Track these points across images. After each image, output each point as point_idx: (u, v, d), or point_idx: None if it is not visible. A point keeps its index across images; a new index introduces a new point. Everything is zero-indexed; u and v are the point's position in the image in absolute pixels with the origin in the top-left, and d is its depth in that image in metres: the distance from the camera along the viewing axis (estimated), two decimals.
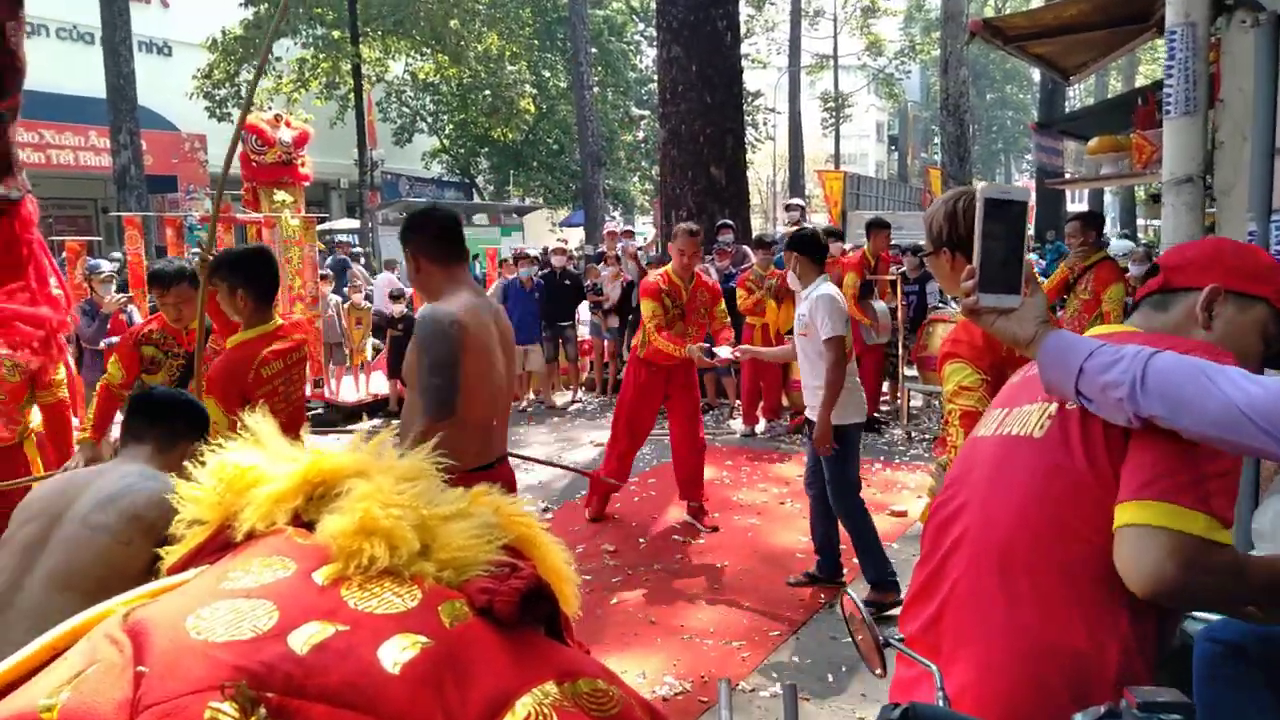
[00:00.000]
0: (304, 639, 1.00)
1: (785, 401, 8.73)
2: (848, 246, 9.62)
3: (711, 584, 4.94)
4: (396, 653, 1.01)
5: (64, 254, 8.56)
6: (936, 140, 39.06)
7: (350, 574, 1.12)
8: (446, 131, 30.42)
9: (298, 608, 1.04)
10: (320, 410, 9.44)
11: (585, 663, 1.17)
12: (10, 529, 2.15)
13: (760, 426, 8.55)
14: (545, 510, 6.21)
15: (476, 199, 31.90)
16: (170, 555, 1.34)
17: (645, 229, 27.67)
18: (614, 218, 29.75)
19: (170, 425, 2.37)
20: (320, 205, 26.72)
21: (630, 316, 9.75)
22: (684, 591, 4.84)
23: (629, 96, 33.48)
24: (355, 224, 22.20)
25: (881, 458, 7.58)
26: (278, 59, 21.96)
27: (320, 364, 9.64)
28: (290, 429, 3.68)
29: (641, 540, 5.62)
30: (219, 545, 1.27)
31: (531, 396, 10.26)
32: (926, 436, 8.09)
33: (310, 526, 1.26)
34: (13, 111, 0.72)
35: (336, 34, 21.89)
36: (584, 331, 10.86)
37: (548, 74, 29.76)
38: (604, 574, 5.02)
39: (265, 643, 0.98)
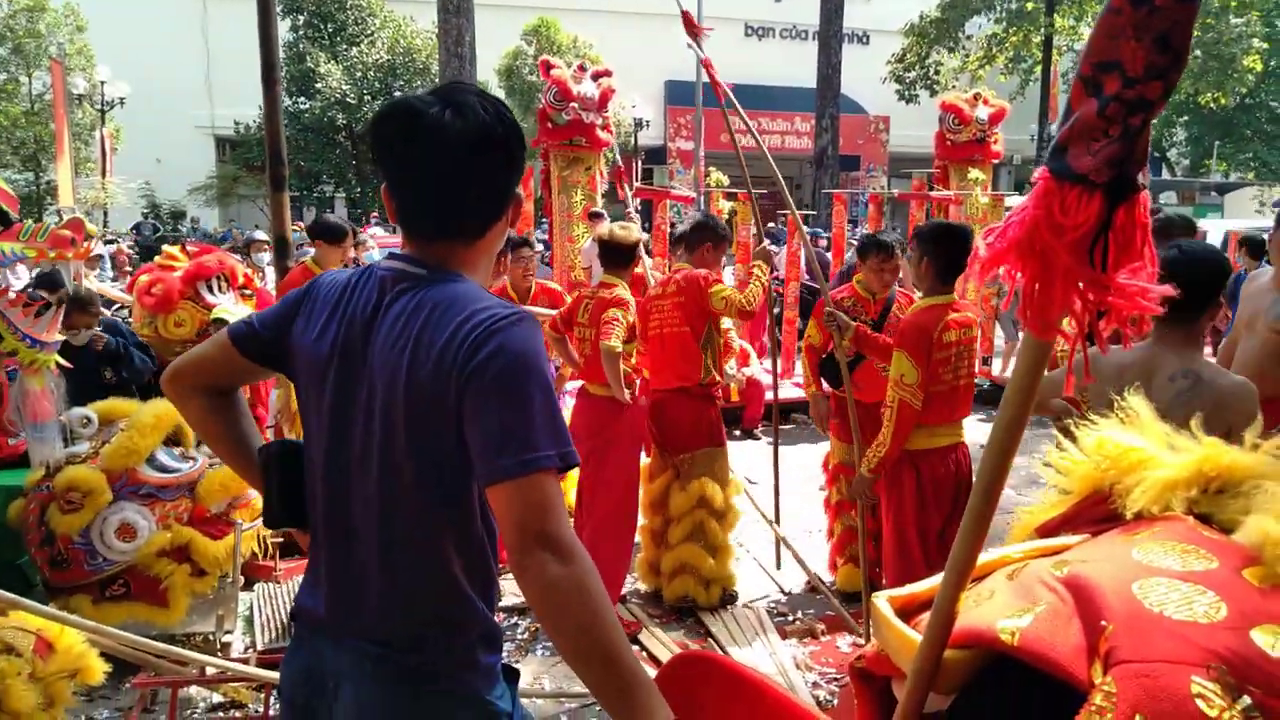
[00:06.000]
0: (1271, 640, 0.98)
1: None
2: None
3: None
4: None
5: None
6: None
7: None
8: None
9: (1244, 604, 1.02)
10: (986, 387, 9.42)
11: None
12: None
13: None
14: None
15: (1166, 174, 28.23)
16: (1032, 516, 1.45)
17: None
18: None
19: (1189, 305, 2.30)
20: (991, 183, 26.45)
21: None
22: None
23: None
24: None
25: None
26: (968, 37, 22.14)
27: (990, 341, 9.63)
28: (963, 402, 3.61)
29: None
30: (1097, 517, 1.33)
31: None
32: None
33: (1204, 519, 1.24)
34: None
35: (1029, 5, 21.18)
36: None
37: None
38: None
39: (1228, 633, 0.98)
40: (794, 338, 9.10)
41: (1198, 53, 23.47)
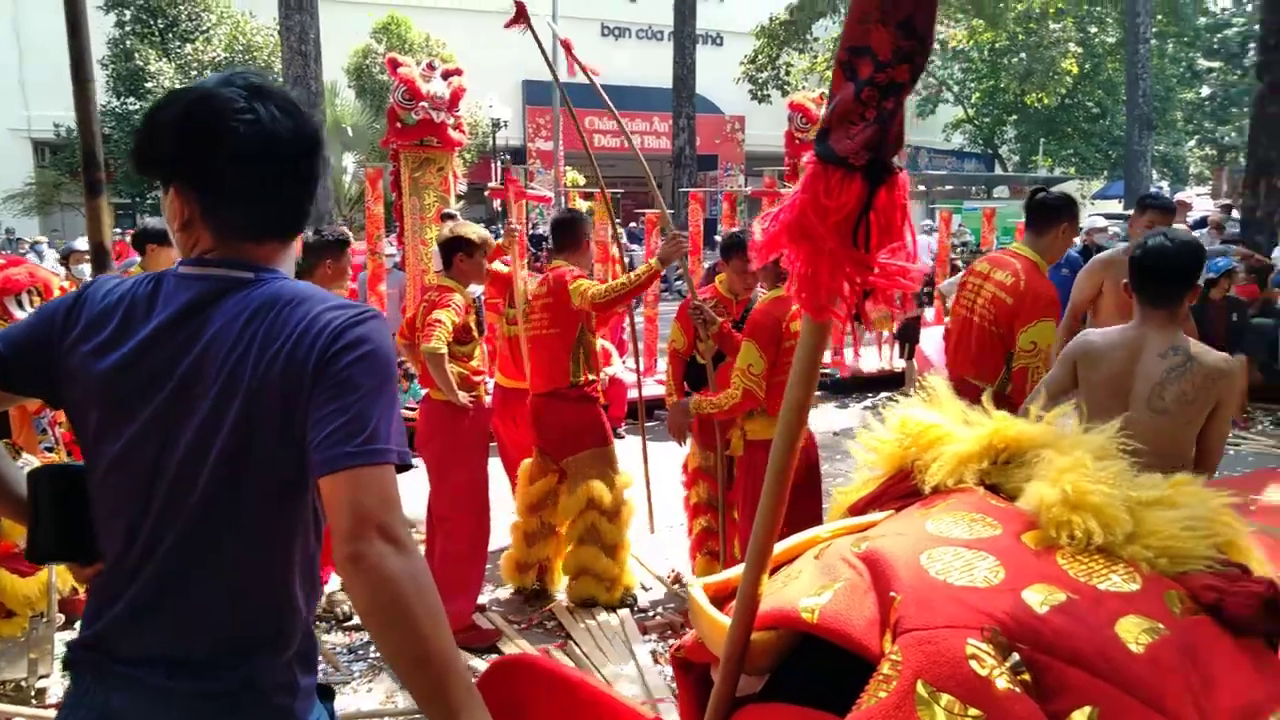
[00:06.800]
0: (1039, 599, 1.03)
1: None
2: None
3: None
4: (1136, 633, 1.00)
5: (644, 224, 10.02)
6: None
7: (1061, 544, 1.13)
8: (972, 100, 29.16)
9: (1020, 567, 1.08)
10: (837, 377, 9.79)
11: None
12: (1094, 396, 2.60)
13: None
14: None
15: (999, 170, 30.17)
16: (845, 496, 1.49)
17: (1202, 201, 23.73)
18: (1159, 188, 25.96)
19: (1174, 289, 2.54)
20: None
21: None
22: None
23: (1195, 47, 28.74)
24: None
25: None
26: (815, 39, 22.97)
27: (842, 333, 10.02)
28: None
29: None
30: (901, 493, 1.38)
31: None
32: None
33: (994, 489, 1.30)
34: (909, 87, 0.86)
35: None
36: None
37: (1095, 30, 26.80)
38: None
39: (1003, 595, 1.03)
40: (654, 336, 9.20)
41: (1022, 55, 25.24)
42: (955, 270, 11.14)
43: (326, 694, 1.40)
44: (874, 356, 10.85)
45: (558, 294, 4.12)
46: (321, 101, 13.68)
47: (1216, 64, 28.42)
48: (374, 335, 1.24)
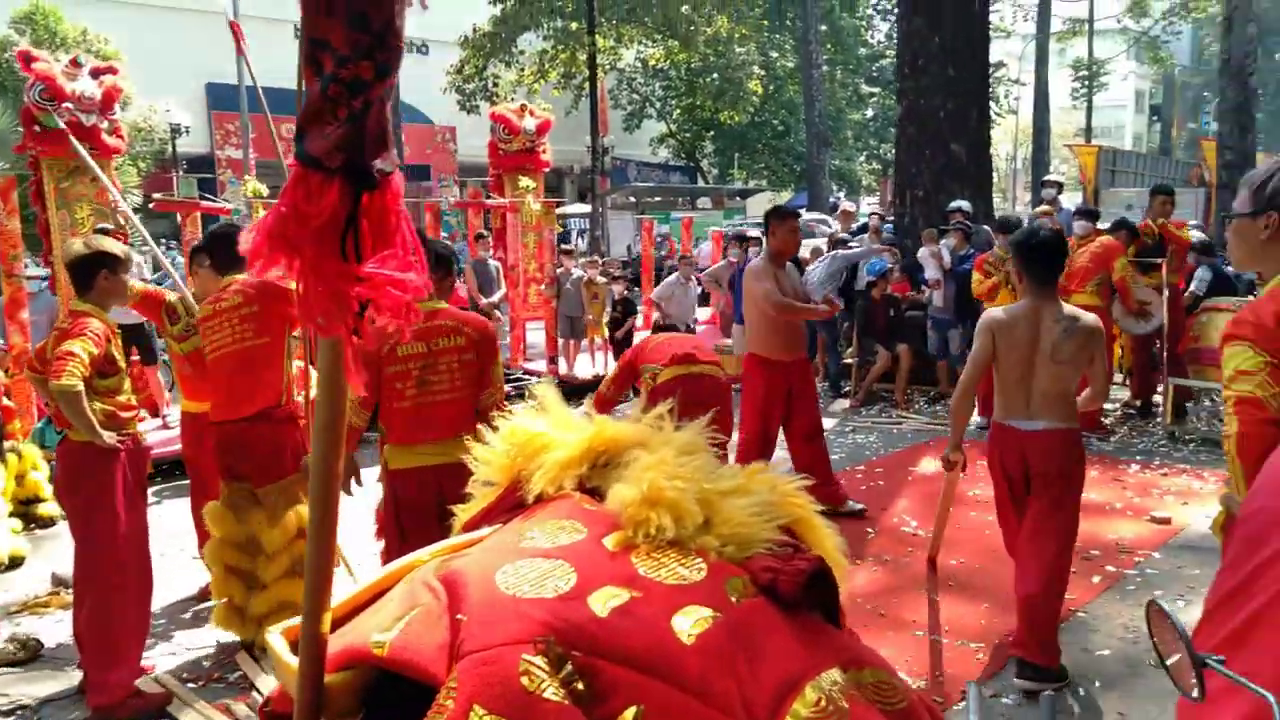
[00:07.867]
0: (603, 602, 1.03)
1: None
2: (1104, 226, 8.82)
3: (944, 580, 4.71)
4: (689, 624, 1.03)
5: None
6: (1209, 109, 34.93)
7: (638, 542, 1.15)
8: (674, 116, 30.89)
9: (593, 571, 1.08)
10: (555, 384, 9.88)
11: (867, 652, 1.13)
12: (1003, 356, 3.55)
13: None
14: None
15: (701, 183, 32.20)
16: (464, 513, 1.44)
17: (868, 208, 26.85)
18: (838, 198, 29.00)
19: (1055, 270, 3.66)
20: (555, 191, 28.03)
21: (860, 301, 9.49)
22: (914, 586, 4.65)
23: (859, 74, 32.45)
24: (586, 208, 23.13)
25: (1139, 458, 6.89)
26: (521, 52, 23.18)
27: (554, 339, 10.19)
28: (444, 419, 3.38)
29: (870, 531, 5.46)
30: (510, 505, 1.35)
31: None
32: (1191, 436, 7.28)
33: (594, 493, 1.31)
34: (389, 92, 0.79)
35: (574, 25, 22.79)
36: None
37: (776, 55, 29.43)
38: None
39: (568, 603, 1.02)
40: None
41: (715, 76, 27.11)
42: (660, 276, 11.80)
43: None
44: (587, 363, 11.09)
45: (265, 300, 3.78)
46: None
47: (876, 89, 32.25)
48: None
